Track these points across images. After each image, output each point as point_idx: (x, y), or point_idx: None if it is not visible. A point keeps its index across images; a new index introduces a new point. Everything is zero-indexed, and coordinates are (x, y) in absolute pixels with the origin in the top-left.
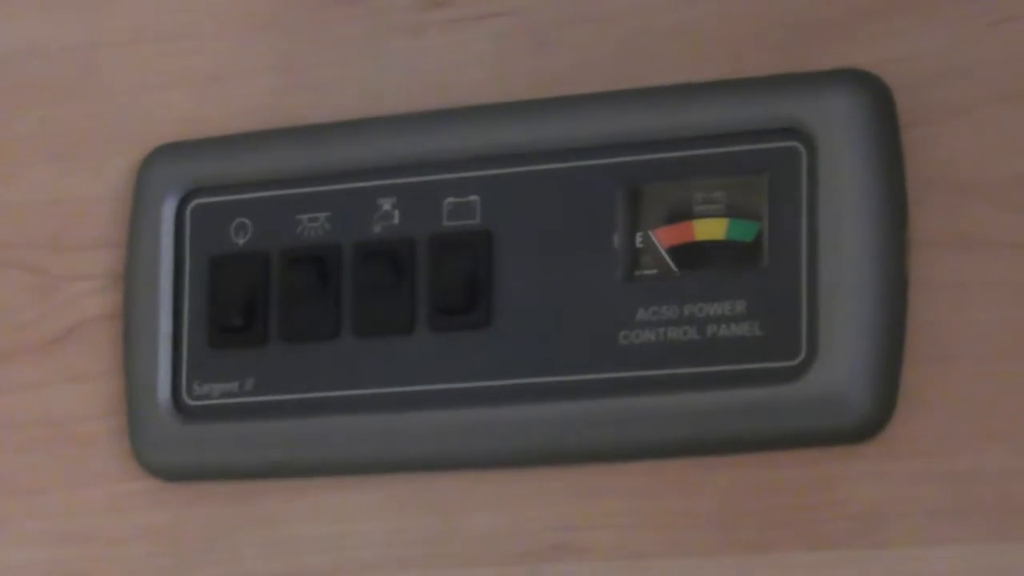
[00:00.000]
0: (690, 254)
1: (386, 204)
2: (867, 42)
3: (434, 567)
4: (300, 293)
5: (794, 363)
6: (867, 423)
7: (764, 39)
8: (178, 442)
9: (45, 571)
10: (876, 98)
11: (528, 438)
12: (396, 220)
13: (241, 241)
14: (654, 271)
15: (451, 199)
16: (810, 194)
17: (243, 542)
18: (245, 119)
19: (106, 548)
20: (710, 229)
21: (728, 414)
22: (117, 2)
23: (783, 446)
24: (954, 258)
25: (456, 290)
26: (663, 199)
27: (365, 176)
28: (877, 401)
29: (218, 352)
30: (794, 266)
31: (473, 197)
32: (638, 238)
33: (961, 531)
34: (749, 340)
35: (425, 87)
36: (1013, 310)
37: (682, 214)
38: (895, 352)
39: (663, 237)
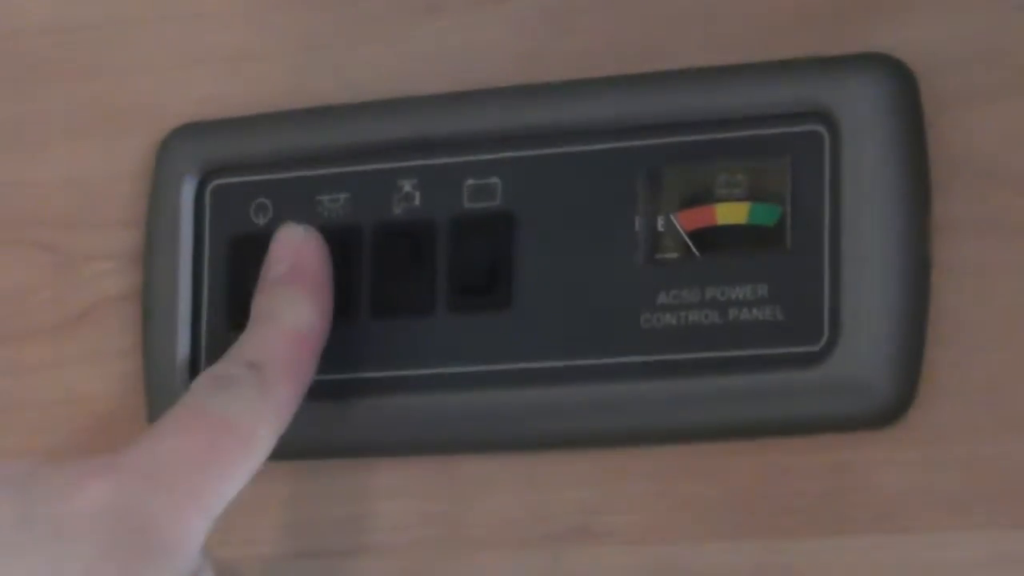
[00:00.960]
0: (712, 238)
1: (407, 185)
2: (891, 26)
3: (454, 549)
4: None
5: (816, 348)
6: (889, 408)
7: (788, 23)
8: None
9: None
10: (900, 82)
11: (548, 421)
12: (417, 201)
13: (261, 222)
14: (675, 254)
15: (472, 180)
16: (833, 178)
17: (260, 522)
18: (265, 99)
19: None
20: (732, 213)
21: (749, 398)
22: None
23: (804, 431)
24: (977, 243)
25: (476, 272)
26: (685, 182)
27: (386, 157)
28: (899, 386)
29: (237, 332)
30: (816, 250)
31: (494, 179)
32: (659, 221)
33: (983, 517)
34: (771, 324)
35: (446, 68)
36: None
37: (704, 197)
38: (917, 337)
39: (685, 220)
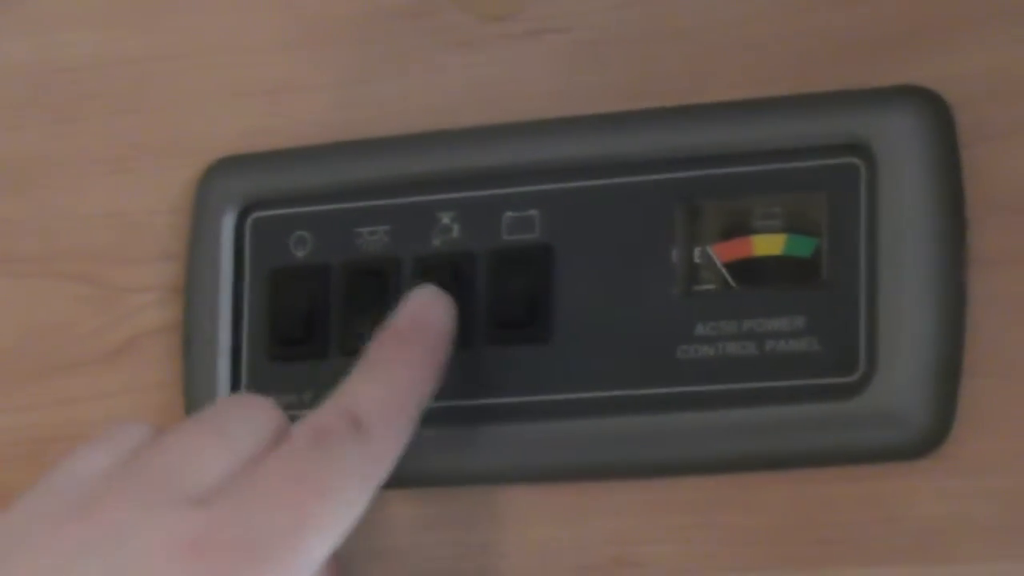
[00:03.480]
0: (748, 270)
1: (445, 218)
2: (927, 59)
3: None
4: (360, 306)
5: (853, 379)
6: (925, 439)
7: (823, 55)
8: None
9: None
10: (936, 115)
11: (587, 452)
12: (456, 234)
13: (301, 254)
14: (712, 286)
15: (510, 213)
16: (869, 210)
17: None
18: (305, 132)
19: None
20: (768, 244)
21: (787, 429)
22: (177, 14)
23: (841, 462)
24: (1013, 276)
25: (515, 304)
26: (721, 214)
27: (425, 190)
28: (935, 417)
29: (278, 365)
30: (853, 282)
31: (532, 211)
32: (696, 253)
33: (1019, 549)
34: (808, 356)
35: (485, 101)
36: None
37: (740, 229)
38: (953, 368)
39: (721, 252)
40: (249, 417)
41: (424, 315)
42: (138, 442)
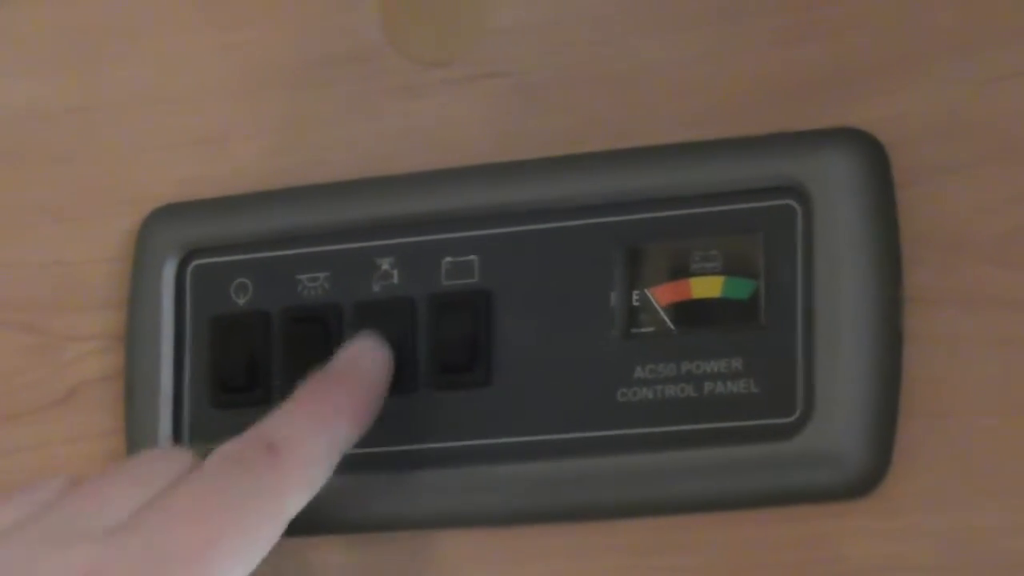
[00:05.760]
0: (687, 312)
1: (385, 264)
2: (861, 100)
3: None
4: (301, 352)
5: (790, 420)
6: (862, 480)
7: (760, 99)
8: None
9: None
10: (870, 156)
11: (527, 496)
12: (395, 279)
13: (242, 301)
14: (651, 329)
15: (449, 258)
16: (805, 252)
17: None
18: (244, 180)
19: None
20: (706, 287)
21: (725, 471)
22: (116, 64)
23: (779, 503)
24: (948, 315)
25: (455, 349)
26: (660, 257)
27: (364, 236)
28: (873, 457)
29: (220, 412)
30: (790, 324)
31: (472, 256)
32: (635, 296)
33: None
34: (746, 397)
35: (423, 147)
36: (1008, 366)
37: (679, 272)
38: (890, 409)
39: (660, 295)
40: (164, 460)
41: (357, 361)
42: (54, 494)
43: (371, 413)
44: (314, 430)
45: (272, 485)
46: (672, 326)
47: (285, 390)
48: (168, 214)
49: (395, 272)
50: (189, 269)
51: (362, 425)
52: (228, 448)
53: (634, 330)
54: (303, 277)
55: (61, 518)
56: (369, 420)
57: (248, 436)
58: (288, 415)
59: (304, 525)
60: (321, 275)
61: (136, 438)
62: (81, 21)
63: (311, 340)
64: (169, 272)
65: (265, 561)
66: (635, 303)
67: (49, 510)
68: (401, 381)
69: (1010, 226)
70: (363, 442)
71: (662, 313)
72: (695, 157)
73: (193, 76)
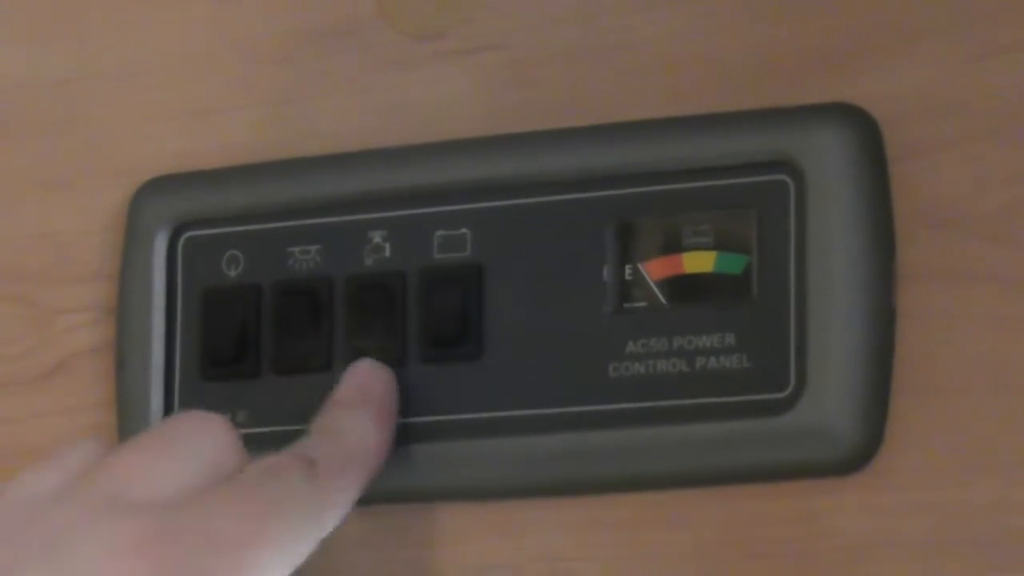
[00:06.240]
0: (679, 287)
1: (377, 237)
2: (855, 76)
3: None
4: (292, 326)
5: (782, 395)
6: (855, 455)
7: (752, 73)
8: None
9: None
10: (864, 132)
11: (519, 470)
12: (387, 253)
13: (233, 274)
14: (644, 304)
15: (441, 232)
16: (798, 227)
17: None
18: (236, 152)
19: None
20: (699, 262)
21: (717, 446)
22: (108, 35)
23: (771, 478)
24: (940, 291)
25: (447, 323)
26: (652, 232)
27: (356, 209)
28: (865, 433)
29: (210, 385)
30: (782, 299)
31: (464, 230)
32: (627, 271)
33: (950, 563)
34: (738, 372)
35: (415, 120)
36: (1000, 342)
37: (671, 247)
38: (883, 384)
39: (653, 270)
40: (201, 432)
41: (369, 383)
42: (88, 460)
43: (392, 432)
44: (347, 454)
45: (313, 496)
46: (664, 301)
47: (275, 363)
48: (160, 186)
49: (387, 245)
50: (181, 241)
51: (388, 446)
52: (268, 459)
53: (626, 305)
54: (295, 250)
55: (111, 486)
56: (392, 440)
57: (286, 453)
58: (319, 441)
59: None
60: (313, 248)
61: (126, 410)
62: None
63: (302, 313)
64: (160, 244)
65: None
66: (627, 278)
67: (96, 476)
68: (392, 354)
69: (1003, 202)
70: None
71: (654, 288)
72: (688, 132)
73: (185, 48)
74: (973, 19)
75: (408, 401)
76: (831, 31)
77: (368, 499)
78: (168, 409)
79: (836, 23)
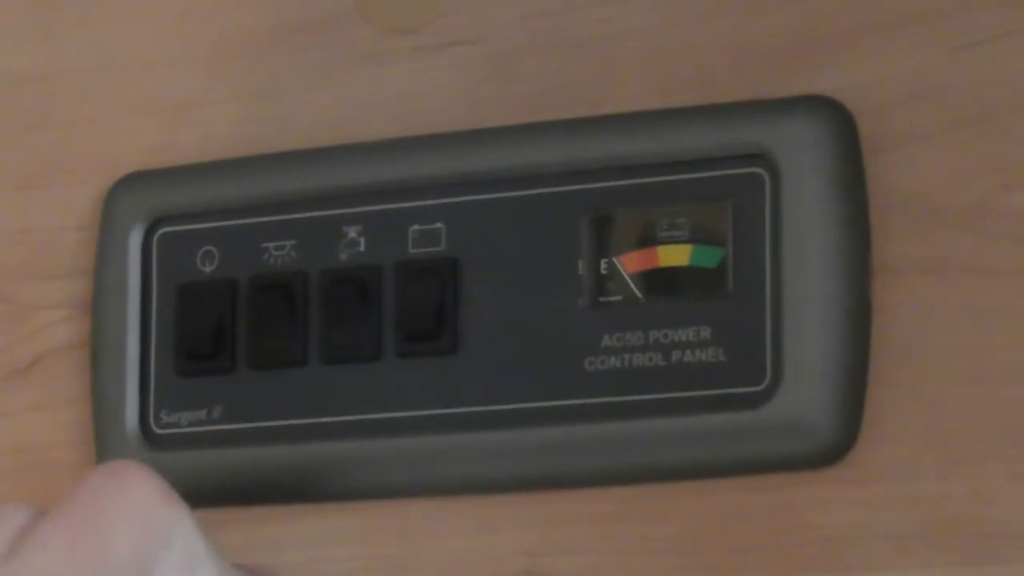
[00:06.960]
0: (655, 280)
1: (352, 232)
2: (830, 68)
3: None
4: (267, 321)
5: (759, 389)
6: (832, 448)
7: (727, 66)
8: None
9: None
10: (839, 124)
11: (495, 464)
12: (362, 247)
13: (208, 269)
14: (619, 297)
15: (416, 226)
16: (774, 220)
17: None
18: (211, 147)
19: None
20: (674, 255)
21: (693, 440)
22: (83, 30)
23: (748, 471)
24: (917, 283)
25: (422, 317)
26: (628, 225)
27: (330, 204)
28: (842, 426)
29: (186, 380)
30: (758, 292)
31: (438, 224)
32: (603, 264)
33: (927, 556)
34: (714, 366)
35: (390, 115)
36: (976, 334)
37: (647, 240)
38: (859, 377)
39: (628, 263)
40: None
41: None
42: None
43: None
44: None
45: None
46: (640, 294)
47: (250, 359)
48: (135, 182)
49: (362, 240)
50: (156, 237)
51: None
52: None
53: (602, 299)
54: (270, 245)
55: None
56: None
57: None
58: None
59: (270, 494)
60: (288, 243)
61: (102, 406)
62: None
63: (278, 308)
64: (136, 240)
65: (232, 530)
66: (603, 271)
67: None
68: (367, 349)
69: (979, 194)
70: (332, 411)
71: (630, 281)
72: (663, 125)
73: (161, 43)
74: (949, 9)
75: (383, 395)
76: (806, 23)
77: (344, 495)
78: (144, 404)
79: (811, 15)
